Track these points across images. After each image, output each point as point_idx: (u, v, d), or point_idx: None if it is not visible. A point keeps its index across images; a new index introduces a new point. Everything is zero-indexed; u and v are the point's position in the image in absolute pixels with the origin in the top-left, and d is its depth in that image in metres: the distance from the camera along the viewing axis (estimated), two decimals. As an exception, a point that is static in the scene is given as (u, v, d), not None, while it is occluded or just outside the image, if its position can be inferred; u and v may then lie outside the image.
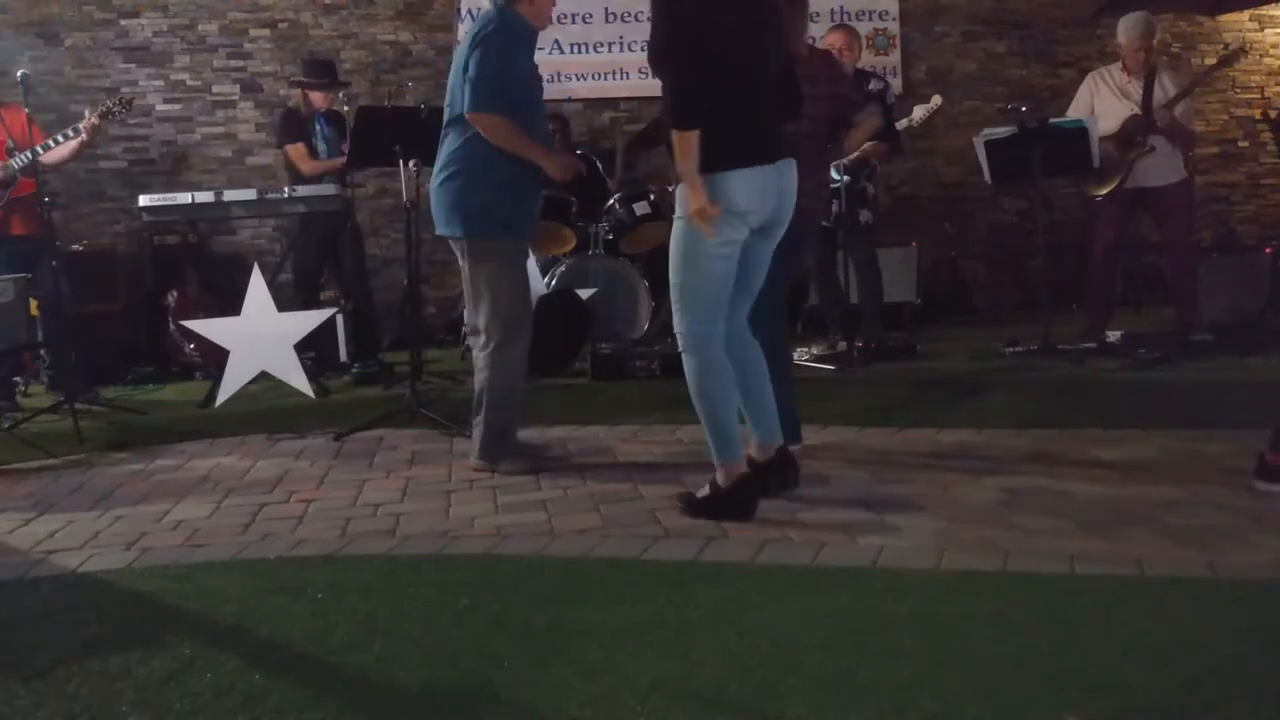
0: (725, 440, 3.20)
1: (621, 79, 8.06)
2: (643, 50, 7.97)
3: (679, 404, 5.04)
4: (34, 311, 5.71)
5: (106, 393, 5.87)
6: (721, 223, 3.04)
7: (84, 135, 5.59)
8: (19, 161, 5.49)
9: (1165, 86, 5.92)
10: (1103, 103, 6.03)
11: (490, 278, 3.87)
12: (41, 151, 5.53)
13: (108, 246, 7.39)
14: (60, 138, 5.57)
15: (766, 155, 3.12)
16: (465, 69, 3.78)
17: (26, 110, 5.58)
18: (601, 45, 8.06)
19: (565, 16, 7.97)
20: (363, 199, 7.64)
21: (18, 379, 6.01)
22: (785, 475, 3.44)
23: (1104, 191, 6.01)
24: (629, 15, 8.02)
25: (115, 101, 5.70)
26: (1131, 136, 5.87)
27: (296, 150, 6.23)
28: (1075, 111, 6.11)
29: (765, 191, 3.12)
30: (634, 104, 8.01)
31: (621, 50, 8.06)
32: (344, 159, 5.93)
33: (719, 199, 3.01)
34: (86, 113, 5.66)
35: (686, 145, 2.99)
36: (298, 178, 6.23)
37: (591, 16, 8.05)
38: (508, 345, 3.89)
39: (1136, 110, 5.90)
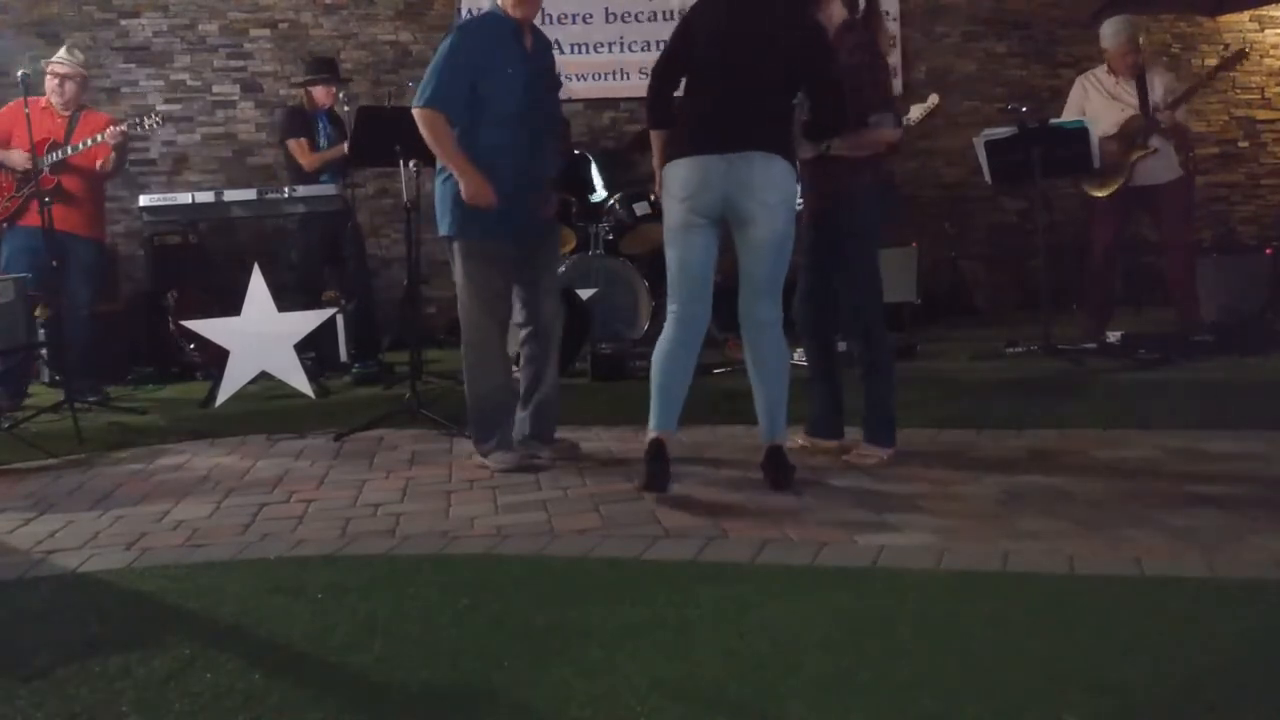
0: (653, 406, 3.49)
1: (622, 79, 8.07)
2: (643, 50, 8.01)
3: (679, 404, 5.04)
4: (39, 313, 5.75)
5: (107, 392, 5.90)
6: (669, 208, 3.48)
7: (113, 139, 5.70)
8: (52, 157, 5.65)
9: (1155, 86, 5.92)
10: (1093, 106, 6.03)
11: (459, 276, 3.94)
12: (70, 152, 5.69)
13: (108, 246, 7.39)
14: (90, 141, 5.69)
15: (714, 146, 3.36)
16: None
17: (110, 118, 5.97)
18: (601, 45, 8.07)
19: (565, 16, 7.98)
20: (363, 199, 7.65)
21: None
22: (775, 475, 3.49)
23: (1105, 193, 6.01)
24: (629, 15, 8.03)
25: (146, 116, 5.78)
26: (1133, 137, 5.87)
27: (299, 145, 6.27)
28: (1068, 115, 6.11)
29: (706, 179, 3.36)
30: (634, 104, 8.01)
31: (621, 50, 8.07)
32: (344, 149, 5.95)
33: (668, 187, 3.47)
34: (115, 124, 5.78)
35: (654, 142, 3.59)
36: (298, 175, 6.25)
37: (591, 17, 8.06)
38: (474, 345, 3.95)
39: (1132, 111, 5.90)
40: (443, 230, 3.95)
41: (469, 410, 4.02)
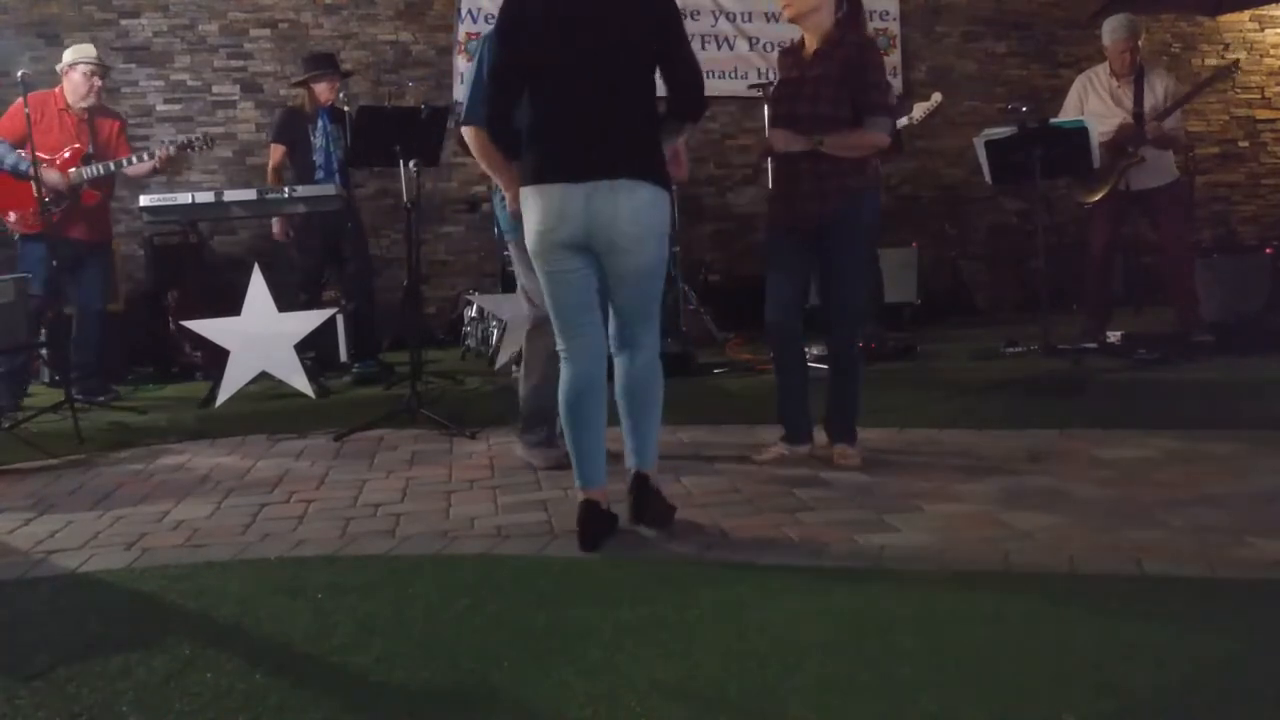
0: (574, 462, 3.10)
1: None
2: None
3: (679, 404, 5.03)
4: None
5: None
6: (527, 234, 3.04)
7: (155, 163, 5.74)
8: (90, 172, 5.63)
9: (1155, 89, 5.91)
10: (1091, 107, 6.02)
11: (516, 273, 4.02)
12: (114, 169, 5.69)
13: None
14: (134, 159, 5.74)
15: (568, 173, 2.93)
16: None
17: (120, 121, 5.97)
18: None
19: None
20: (363, 199, 7.65)
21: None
22: (637, 505, 3.09)
23: (1094, 198, 6.01)
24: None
25: (199, 138, 5.82)
26: (1124, 146, 5.86)
27: (275, 150, 6.39)
28: (1065, 115, 6.10)
29: (563, 211, 2.93)
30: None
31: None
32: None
33: (524, 212, 3.04)
34: (166, 140, 5.84)
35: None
36: (298, 175, 6.28)
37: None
38: (534, 335, 3.93)
39: (1127, 116, 5.89)
40: (501, 228, 4.04)
41: (522, 401, 4.02)
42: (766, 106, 3.87)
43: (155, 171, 5.87)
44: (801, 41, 3.84)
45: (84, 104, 5.72)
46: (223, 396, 5.41)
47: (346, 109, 6.26)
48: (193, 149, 5.83)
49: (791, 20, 3.79)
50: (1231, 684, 2.02)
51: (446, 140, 5.45)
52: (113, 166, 5.66)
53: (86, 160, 5.64)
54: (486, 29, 4.14)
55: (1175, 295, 6.17)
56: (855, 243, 3.77)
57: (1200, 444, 3.86)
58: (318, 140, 6.27)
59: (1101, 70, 6.08)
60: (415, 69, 7.99)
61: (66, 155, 5.63)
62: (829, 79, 3.67)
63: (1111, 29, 5.96)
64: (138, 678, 2.22)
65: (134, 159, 5.71)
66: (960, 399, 4.91)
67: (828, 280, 3.80)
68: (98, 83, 5.74)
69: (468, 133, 3.75)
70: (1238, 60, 6.80)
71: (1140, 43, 6.02)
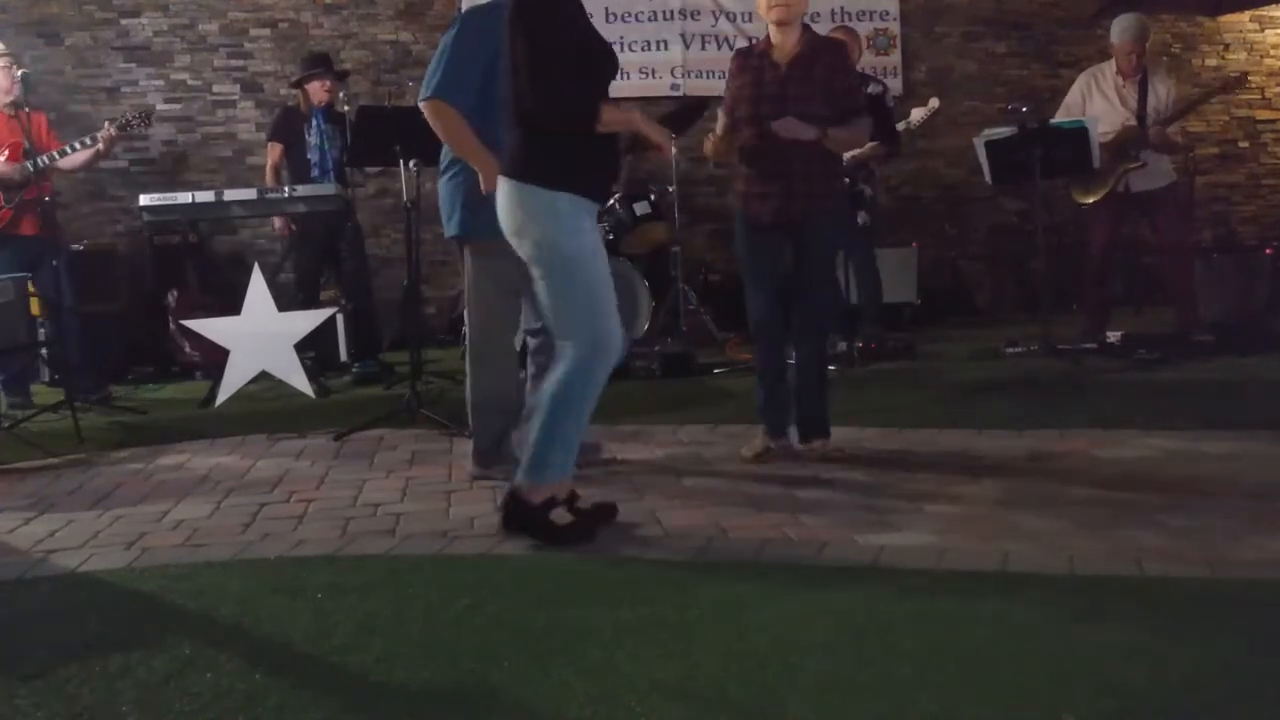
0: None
1: (622, 79, 8.02)
2: (643, 50, 7.92)
3: (679, 404, 5.05)
4: (36, 311, 5.75)
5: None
6: None
7: (100, 146, 5.68)
8: (36, 164, 5.57)
9: (1158, 92, 5.90)
10: (1095, 105, 6.01)
11: (468, 279, 3.81)
12: (59, 157, 5.64)
13: (108, 246, 7.41)
14: (77, 144, 5.65)
15: None
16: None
17: (49, 116, 5.89)
18: (601, 45, 8.08)
19: (565, 16, 7.97)
20: (363, 199, 7.65)
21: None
22: (505, 517, 3.08)
23: (1092, 199, 6.00)
24: (629, 15, 8.01)
25: (135, 115, 5.76)
26: (1126, 149, 5.86)
27: (272, 149, 6.45)
28: (1065, 112, 6.10)
29: None
30: (634, 104, 8.01)
31: (622, 50, 8.00)
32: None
33: None
34: (106, 124, 5.74)
35: None
36: (297, 174, 6.29)
37: (591, 17, 8.05)
38: (481, 351, 3.78)
39: (1130, 118, 5.88)
40: (450, 231, 3.77)
41: (470, 417, 3.84)
42: (744, 105, 3.85)
43: (99, 156, 5.80)
44: (767, 43, 3.84)
45: (9, 99, 5.61)
46: (223, 396, 5.41)
47: (345, 109, 6.27)
48: (132, 127, 5.75)
49: (782, 21, 3.76)
50: (1231, 684, 2.02)
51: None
52: (56, 155, 5.60)
53: (29, 154, 5.55)
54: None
55: (1175, 295, 6.17)
56: (835, 245, 3.89)
57: (1200, 444, 3.86)
58: (312, 139, 6.28)
59: (1107, 69, 6.07)
60: (415, 69, 7.97)
61: (6, 153, 5.61)
62: (814, 80, 3.74)
63: (1121, 29, 5.95)
64: (138, 678, 2.22)
65: (77, 144, 5.64)
66: (960, 399, 4.92)
67: (805, 282, 3.83)
68: (17, 72, 5.60)
69: (434, 105, 3.54)
70: (1246, 74, 6.79)
71: (1147, 44, 6.02)
